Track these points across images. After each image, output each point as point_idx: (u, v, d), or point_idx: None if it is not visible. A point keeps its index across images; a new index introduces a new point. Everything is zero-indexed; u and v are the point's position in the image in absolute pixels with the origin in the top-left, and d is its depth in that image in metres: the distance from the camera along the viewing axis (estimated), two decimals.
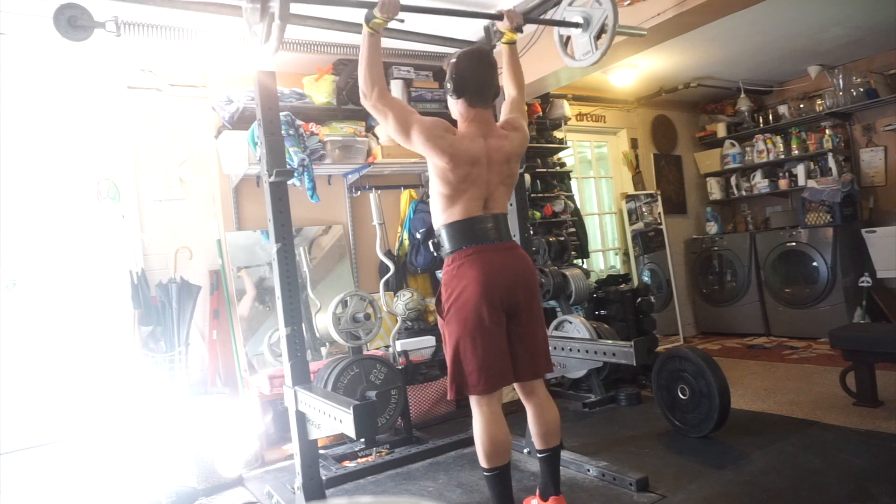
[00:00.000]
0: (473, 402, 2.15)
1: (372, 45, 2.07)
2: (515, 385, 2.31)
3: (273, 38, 2.01)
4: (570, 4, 2.68)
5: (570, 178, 5.22)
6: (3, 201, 3.19)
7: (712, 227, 6.31)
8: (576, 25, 2.64)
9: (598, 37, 2.60)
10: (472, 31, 3.56)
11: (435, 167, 2.12)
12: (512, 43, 2.46)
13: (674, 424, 3.20)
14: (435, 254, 2.27)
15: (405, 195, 4.39)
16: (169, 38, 2.70)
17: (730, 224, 6.50)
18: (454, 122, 2.26)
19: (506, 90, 2.48)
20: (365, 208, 4.13)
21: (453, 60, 2.21)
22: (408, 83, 4.15)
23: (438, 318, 2.21)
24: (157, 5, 2.45)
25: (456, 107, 2.24)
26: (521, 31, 2.49)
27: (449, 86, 2.20)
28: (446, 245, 2.18)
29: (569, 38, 2.78)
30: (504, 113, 2.42)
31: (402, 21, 2.10)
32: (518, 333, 2.19)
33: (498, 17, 2.45)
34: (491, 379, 2.10)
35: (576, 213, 5.09)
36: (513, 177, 2.27)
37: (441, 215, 2.18)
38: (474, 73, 2.17)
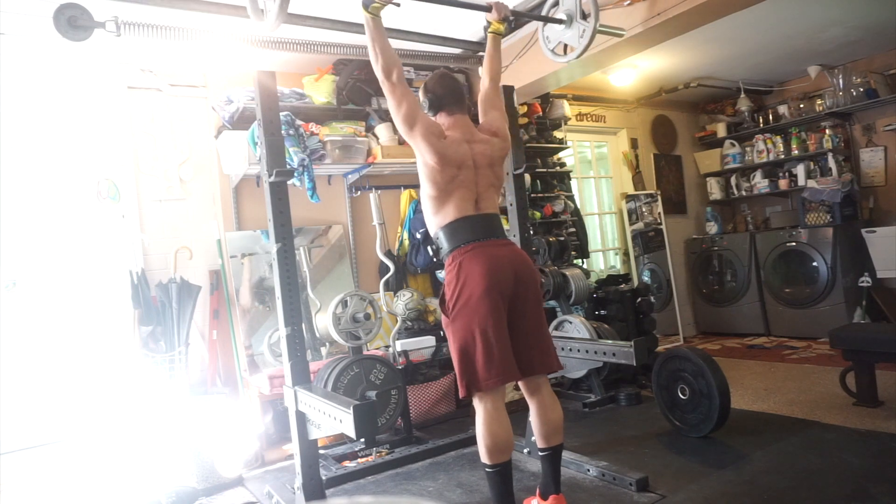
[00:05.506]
0: (477, 398, 2.13)
1: (376, 27, 2.16)
2: (520, 383, 2.28)
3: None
4: (554, 5, 2.96)
5: (570, 178, 5.22)
6: (3, 201, 3.19)
7: (712, 227, 6.31)
8: (559, 21, 2.92)
9: (584, 17, 2.87)
10: (471, 31, 3.57)
11: (425, 166, 2.19)
12: (497, 33, 2.56)
13: (674, 424, 3.20)
14: (435, 259, 2.30)
15: (405, 195, 4.38)
16: (169, 38, 2.70)
17: (730, 224, 6.50)
18: None
19: (481, 81, 2.56)
20: (365, 208, 4.12)
21: (422, 87, 2.40)
22: (408, 83, 4.15)
23: (443, 318, 2.20)
24: (158, 5, 2.45)
25: (437, 121, 2.33)
26: (510, 24, 2.62)
27: (426, 104, 2.36)
28: (445, 245, 2.22)
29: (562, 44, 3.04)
30: (481, 112, 2.48)
31: (398, 5, 2.18)
32: (522, 328, 2.19)
33: (486, 8, 2.58)
34: (503, 371, 2.08)
35: (576, 213, 5.09)
36: (499, 179, 2.36)
37: (434, 219, 2.25)
38: (445, 86, 2.35)
